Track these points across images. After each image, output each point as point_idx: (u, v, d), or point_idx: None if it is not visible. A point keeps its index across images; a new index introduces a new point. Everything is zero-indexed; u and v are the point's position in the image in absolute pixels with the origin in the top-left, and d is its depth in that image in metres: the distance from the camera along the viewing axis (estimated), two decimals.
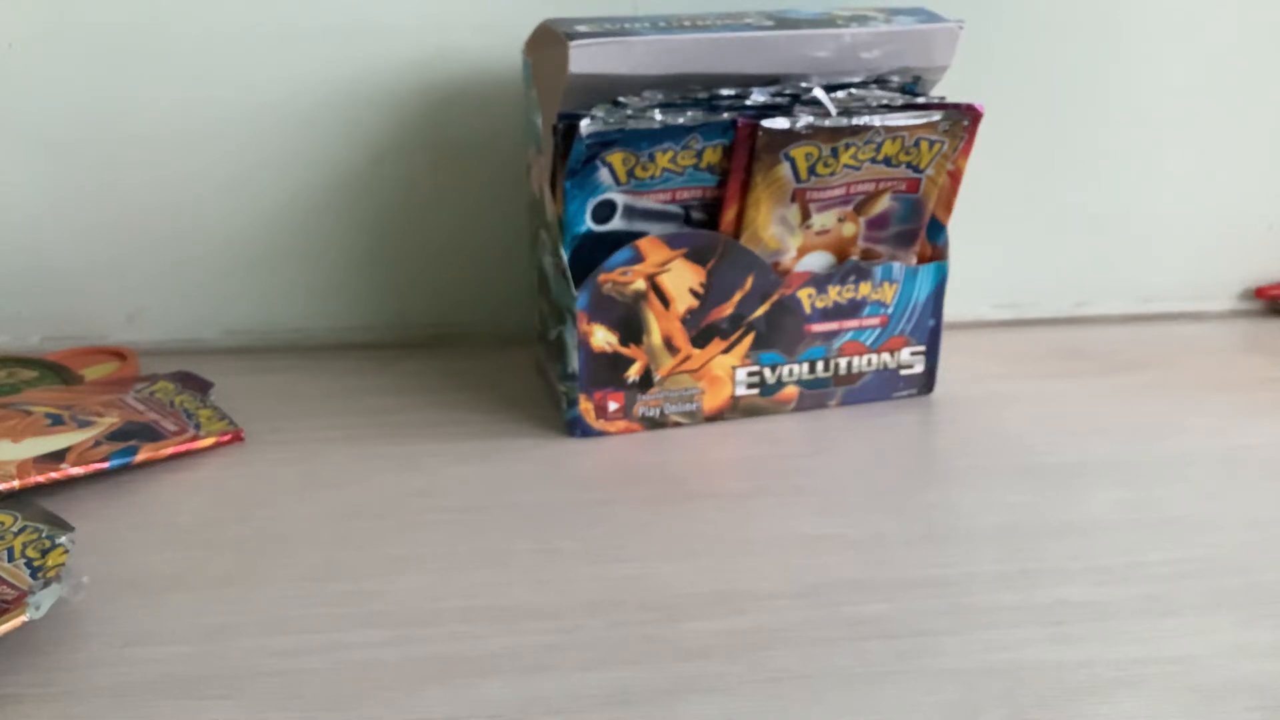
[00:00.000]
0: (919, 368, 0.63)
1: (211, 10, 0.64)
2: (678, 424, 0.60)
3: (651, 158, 0.54)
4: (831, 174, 0.56)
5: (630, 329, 0.57)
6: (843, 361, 0.61)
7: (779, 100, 0.55)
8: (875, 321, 0.61)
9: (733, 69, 0.54)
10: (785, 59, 0.55)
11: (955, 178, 0.59)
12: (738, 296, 0.57)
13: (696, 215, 0.57)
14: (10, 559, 0.43)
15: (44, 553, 0.44)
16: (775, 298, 0.58)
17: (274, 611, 0.44)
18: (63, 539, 0.45)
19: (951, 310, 0.70)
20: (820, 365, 0.60)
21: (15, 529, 0.46)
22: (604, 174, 0.54)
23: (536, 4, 0.64)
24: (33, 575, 0.42)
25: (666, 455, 0.57)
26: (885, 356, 0.62)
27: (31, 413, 0.56)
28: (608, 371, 0.57)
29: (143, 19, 0.64)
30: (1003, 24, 0.69)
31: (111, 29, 0.64)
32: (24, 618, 0.39)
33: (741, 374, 0.59)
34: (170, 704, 0.38)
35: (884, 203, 0.59)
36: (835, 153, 0.55)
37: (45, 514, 0.47)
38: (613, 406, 0.58)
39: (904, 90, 0.58)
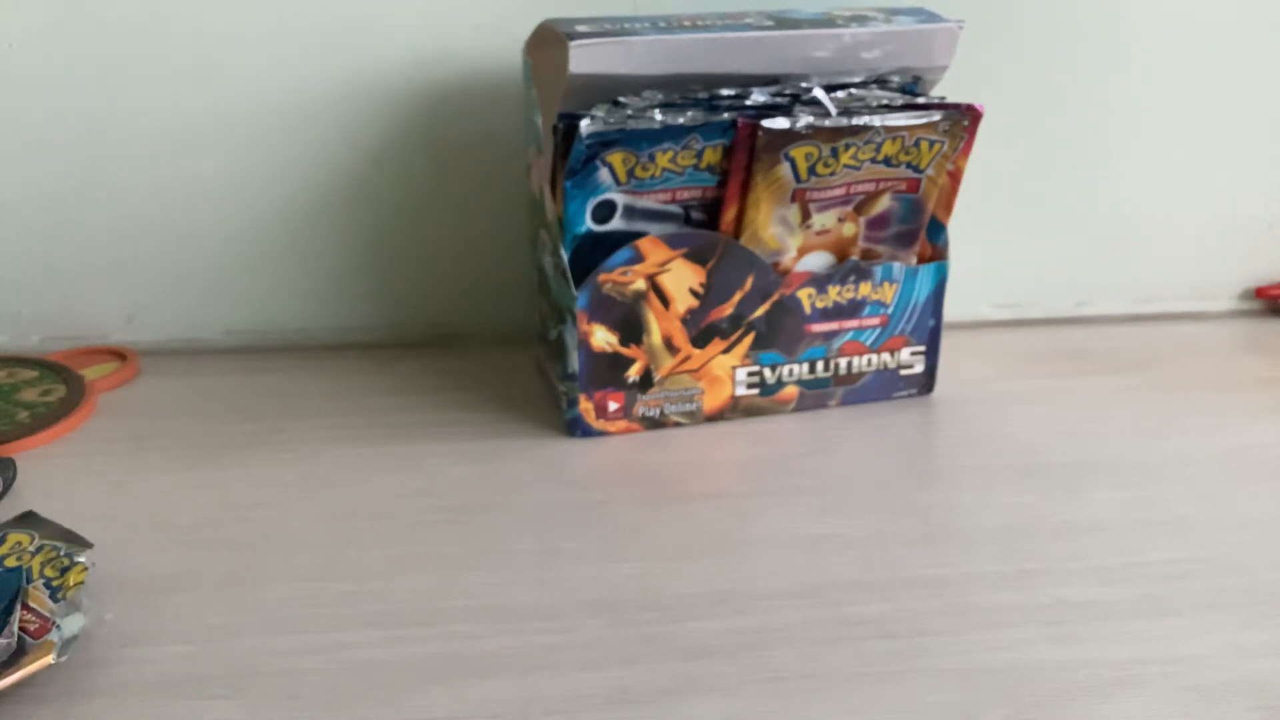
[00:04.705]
0: (919, 368, 0.63)
1: (211, 10, 0.64)
2: (678, 424, 0.60)
3: (651, 158, 0.54)
4: (831, 174, 0.56)
5: (630, 329, 0.57)
6: (843, 361, 0.61)
7: (779, 100, 0.55)
8: (875, 321, 0.60)
9: (733, 69, 0.54)
10: (785, 59, 0.55)
11: (955, 178, 0.59)
12: (738, 296, 0.57)
13: (696, 215, 0.57)
14: (29, 580, 0.42)
15: (63, 571, 0.43)
16: (775, 298, 0.58)
17: (274, 611, 0.44)
18: (82, 557, 0.44)
19: (951, 310, 0.70)
20: (820, 365, 0.60)
21: (33, 548, 0.45)
22: (604, 174, 0.54)
23: (536, 4, 0.64)
24: (52, 597, 0.41)
25: (666, 455, 0.57)
26: (885, 356, 0.62)
27: None
28: (608, 371, 0.57)
29: (142, 19, 0.64)
30: (1003, 24, 0.69)
31: (111, 29, 0.64)
32: (49, 659, 0.39)
33: (741, 374, 0.59)
34: (170, 704, 0.38)
35: (884, 203, 0.59)
36: (835, 153, 0.55)
37: (63, 531, 0.46)
38: (613, 406, 0.58)
39: (904, 90, 0.58)
